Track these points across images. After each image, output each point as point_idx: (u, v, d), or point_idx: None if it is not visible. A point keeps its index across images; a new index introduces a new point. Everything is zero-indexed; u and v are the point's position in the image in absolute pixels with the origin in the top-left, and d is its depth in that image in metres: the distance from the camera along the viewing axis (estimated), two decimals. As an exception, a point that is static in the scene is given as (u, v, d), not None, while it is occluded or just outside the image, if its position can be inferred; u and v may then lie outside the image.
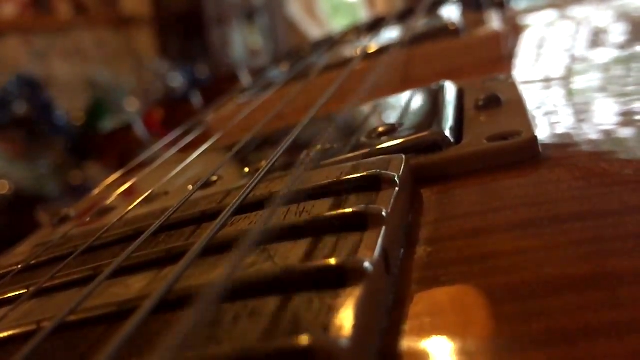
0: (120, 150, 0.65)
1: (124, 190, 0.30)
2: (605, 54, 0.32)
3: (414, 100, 0.27)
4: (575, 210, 0.16)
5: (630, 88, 0.24)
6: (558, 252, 0.14)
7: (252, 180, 0.19)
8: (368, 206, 0.16)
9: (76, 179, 1.29)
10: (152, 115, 0.72)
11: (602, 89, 0.26)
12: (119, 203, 0.28)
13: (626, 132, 0.21)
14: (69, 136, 1.59)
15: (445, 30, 0.41)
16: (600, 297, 0.12)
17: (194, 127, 0.41)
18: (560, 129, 0.22)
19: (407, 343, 0.13)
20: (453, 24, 0.41)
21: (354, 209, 0.16)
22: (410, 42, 0.41)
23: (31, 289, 0.17)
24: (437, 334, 0.13)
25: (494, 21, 0.43)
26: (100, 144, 0.65)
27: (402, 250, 0.16)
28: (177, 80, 1.85)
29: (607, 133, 0.21)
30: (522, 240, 0.15)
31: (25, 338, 0.14)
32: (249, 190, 0.18)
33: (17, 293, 0.18)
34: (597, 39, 0.36)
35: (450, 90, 0.27)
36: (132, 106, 1.75)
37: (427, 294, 0.14)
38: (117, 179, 0.34)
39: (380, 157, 0.20)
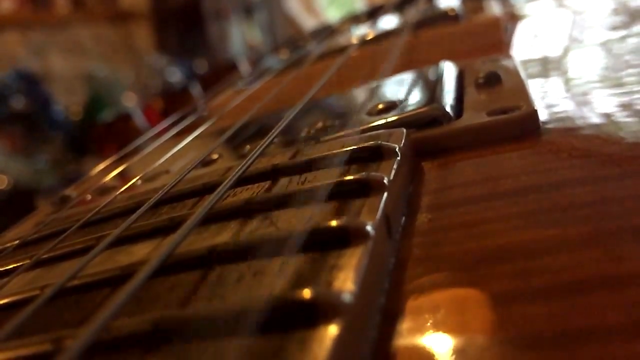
0: (120, 141, 0.65)
1: (124, 172, 0.30)
2: (602, 36, 0.32)
3: (414, 79, 0.27)
4: (575, 176, 0.16)
5: (625, 60, 0.25)
6: (558, 214, 0.14)
7: (253, 152, 0.19)
8: (370, 174, 0.16)
9: (74, 173, 1.29)
10: (151, 106, 0.72)
11: (599, 69, 0.26)
12: (119, 183, 0.28)
13: (622, 107, 0.21)
14: (67, 131, 1.59)
15: (445, 16, 0.41)
16: (600, 254, 0.12)
17: (191, 112, 0.41)
18: (559, 105, 0.22)
19: (408, 303, 0.13)
20: (453, 9, 0.41)
21: (356, 176, 0.16)
22: (410, 28, 0.41)
23: (34, 258, 0.18)
24: (437, 294, 0.13)
25: (494, 8, 0.43)
26: (99, 134, 0.65)
27: (404, 218, 0.16)
28: (175, 75, 1.85)
29: (605, 108, 0.21)
30: (523, 205, 0.15)
31: (29, 302, 0.14)
32: (251, 160, 0.18)
33: (21, 263, 0.18)
34: (594, 24, 0.37)
35: (449, 69, 0.27)
36: (130, 101, 1.75)
37: (427, 256, 0.14)
38: (114, 162, 0.35)
39: (382, 130, 0.20)
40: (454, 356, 0.11)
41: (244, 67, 0.64)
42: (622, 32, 0.32)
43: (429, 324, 0.12)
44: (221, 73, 0.71)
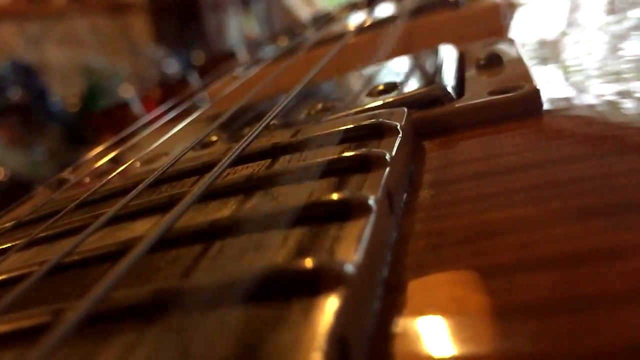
0: (117, 129, 0.64)
1: (121, 155, 0.30)
2: (601, 20, 0.32)
3: (414, 62, 0.27)
4: (578, 152, 0.16)
5: (624, 43, 0.25)
6: (561, 188, 0.14)
7: (254, 130, 0.19)
8: (371, 150, 0.16)
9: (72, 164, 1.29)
10: (149, 95, 0.71)
11: (599, 51, 0.26)
12: (117, 165, 0.28)
13: (622, 87, 0.21)
14: (64, 122, 1.59)
15: (445, 2, 0.41)
16: (604, 225, 0.12)
17: (189, 98, 0.40)
18: (560, 85, 0.22)
19: (411, 276, 0.13)
20: (452, -5, 0.41)
21: (357, 152, 0.16)
22: (410, 14, 0.41)
23: (32, 235, 0.17)
24: (440, 267, 0.13)
25: (493, -6, 0.43)
26: (97, 122, 0.64)
27: (405, 195, 0.16)
28: (172, 66, 1.84)
29: (605, 88, 0.21)
30: (526, 180, 0.15)
31: (27, 277, 0.14)
32: (251, 138, 0.18)
33: (19, 242, 0.18)
34: (592, 8, 0.37)
35: (450, 51, 0.27)
36: (127, 93, 1.74)
37: (430, 230, 0.14)
38: (111, 146, 0.34)
39: (383, 110, 0.20)
40: (458, 328, 0.11)
41: (243, 55, 0.63)
42: (621, 16, 0.32)
43: (432, 296, 0.12)
44: (219, 64, 0.71)
